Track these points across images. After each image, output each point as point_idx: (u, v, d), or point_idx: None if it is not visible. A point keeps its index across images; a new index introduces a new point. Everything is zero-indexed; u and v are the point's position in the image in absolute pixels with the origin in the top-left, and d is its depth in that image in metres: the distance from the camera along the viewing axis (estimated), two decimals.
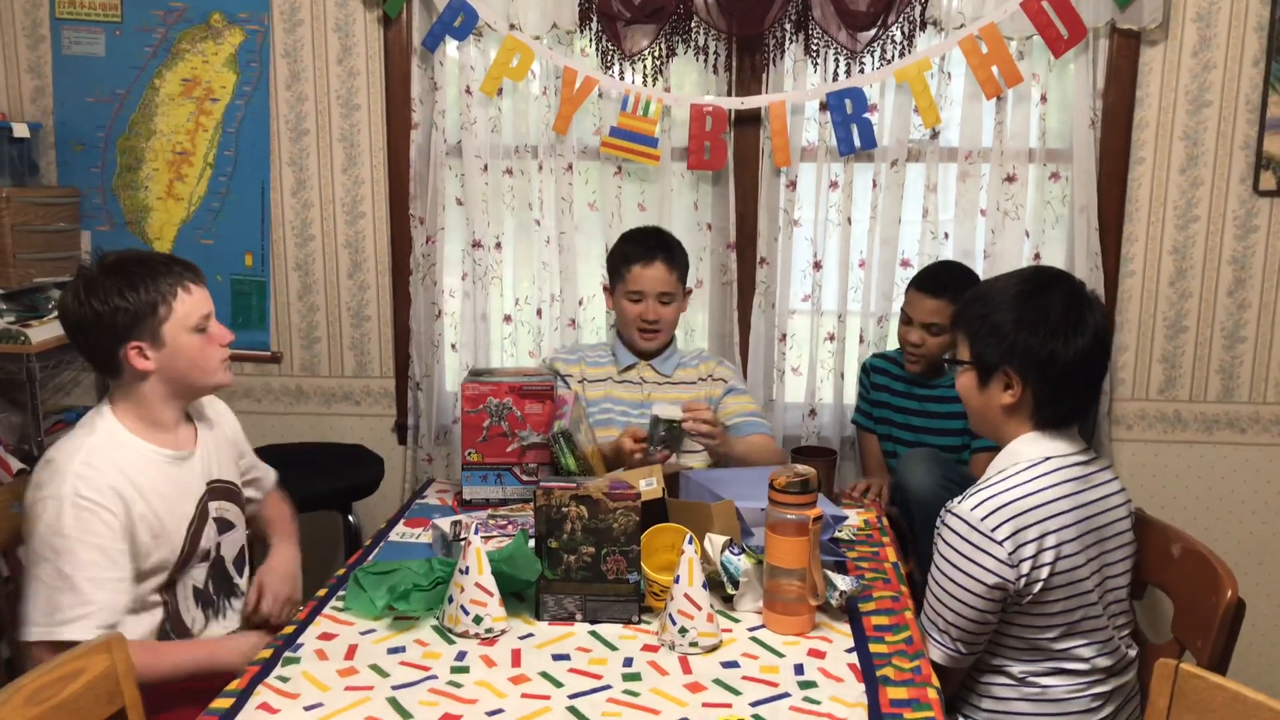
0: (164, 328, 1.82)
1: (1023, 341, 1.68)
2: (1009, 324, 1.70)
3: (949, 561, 1.68)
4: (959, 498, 1.69)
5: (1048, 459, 1.70)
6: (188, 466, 1.90)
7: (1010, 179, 2.82)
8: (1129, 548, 1.79)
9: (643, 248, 2.51)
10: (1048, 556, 1.65)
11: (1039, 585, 1.65)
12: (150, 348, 1.81)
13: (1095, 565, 1.71)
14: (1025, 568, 1.63)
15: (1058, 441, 1.72)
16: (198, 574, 1.90)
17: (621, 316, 2.54)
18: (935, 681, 1.55)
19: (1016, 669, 1.74)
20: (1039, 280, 1.74)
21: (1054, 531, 1.65)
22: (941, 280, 2.55)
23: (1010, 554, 1.62)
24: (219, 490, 1.96)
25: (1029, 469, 1.69)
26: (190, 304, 1.84)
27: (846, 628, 1.72)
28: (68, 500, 1.71)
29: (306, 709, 1.46)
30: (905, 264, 2.90)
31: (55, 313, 2.89)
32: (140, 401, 1.85)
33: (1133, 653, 1.82)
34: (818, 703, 1.48)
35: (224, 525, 1.96)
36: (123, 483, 1.76)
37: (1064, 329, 1.66)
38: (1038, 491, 1.66)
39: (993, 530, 1.62)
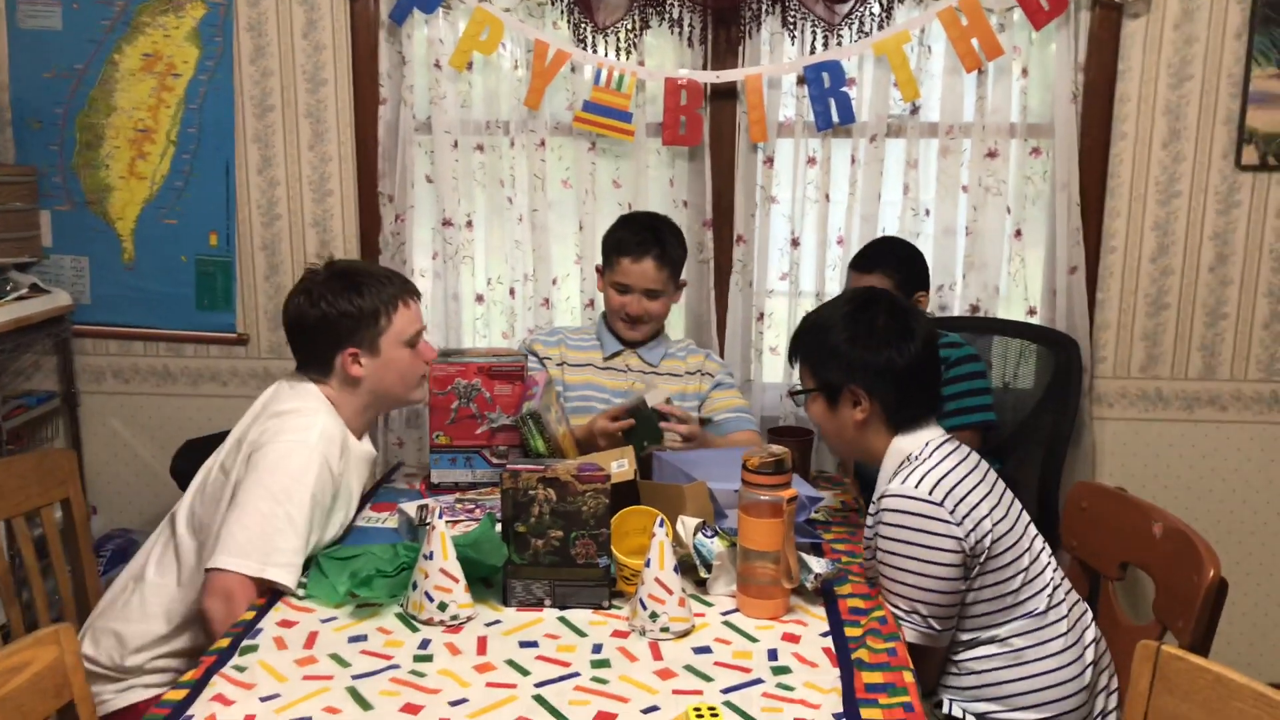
0: (382, 339, 1.92)
1: (859, 357, 1.76)
2: (844, 344, 1.77)
3: (900, 540, 1.68)
4: (889, 486, 1.72)
5: (929, 443, 1.75)
6: (365, 466, 2.01)
7: (992, 154, 2.78)
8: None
9: (635, 240, 2.40)
10: (983, 510, 1.69)
11: (988, 540, 1.68)
12: (366, 355, 1.92)
13: (1015, 513, 1.77)
14: (969, 525, 1.67)
15: (923, 433, 1.78)
16: None
17: (607, 303, 2.48)
18: (910, 664, 1.52)
19: (995, 633, 1.72)
20: (860, 300, 1.84)
21: (975, 489, 1.71)
22: (871, 256, 2.51)
23: (952, 513, 1.66)
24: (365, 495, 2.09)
25: (929, 453, 1.74)
26: (407, 318, 1.95)
27: (822, 611, 1.68)
28: (315, 451, 1.79)
29: (263, 700, 1.40)
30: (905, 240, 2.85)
31: (13, 294, 2.82)
32: (343, 404, 1.93)
33: (1083, 608, 1.83)
34: (791, 689, 1.44)
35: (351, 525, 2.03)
36: (339, 461, 1.85)
37: (894, 338, 1.75)
38: (946, 459, 1.72)
39: (931, 494, 1.66)
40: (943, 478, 1.69)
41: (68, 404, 3.09)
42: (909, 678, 1.47)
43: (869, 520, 1.77)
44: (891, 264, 2.46)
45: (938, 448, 1.75)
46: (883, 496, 1.72)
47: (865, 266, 2.49)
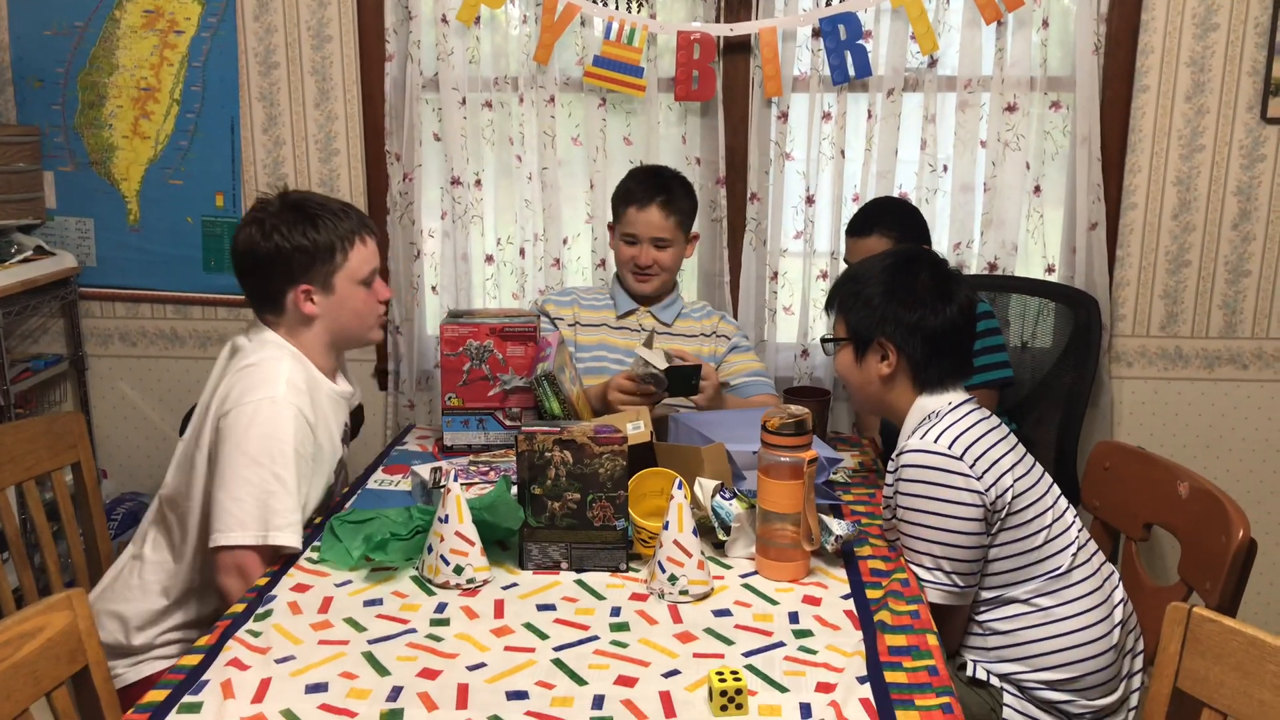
0: (337, 276, 1.83)
1: (893, 313, 1.75)
2: (879, 296, 1.77)
3: (920, 496, 1.67)
4: (907, 443, 1.71)
5: (951, 403, 1.75)
6: (340, 404, 1.93)
7: (1011, 109, 2.72)
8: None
9: (641, 188, 2.38)
10: (1004, 466, 1.68)
11: (1009, 495, 1.67)
12: (319, 293, 1.82)
13: (1037, 473, 1.75)
14: (989, 479, 1.66)
15: (948, 394, 1.77)
16: None
17: (617, 257, 2.45)
18: (934, 627, 1.49)
19: (1018, 592, 1.71)
20: (904, 256, 1.83)
21: (996, 445, 1.70)
22: (866, 217, 2.46)
23: (972, 467, 1.65)
24: (346, 431, 2.00)
25: (951, 410, 1.73)
26: (364, 255, 1.85)
27: (843, 573, 1.65)
28: (286, 404, 1.72)
29: (278, 663, 1.39)
30: (903, 198, 2.80)
31: (18, 256, 2.79)
32: (300, 344, 1.84)
33: (1110, 568, 1.81)
34: (814, 652, 1.42)
35: (340, 467, 1.98)
36: (312, 406, 1.79)
37: (930, 299, 1.74)
38: (967, 417, 1.71)
39: (951, 448, 1.66)
40: (962, 434, 1.68)
41: (75, 367, 3.07)
42: (933, 640, 1.45)
43: (888, 479, 1.75)
44: (888, 222, 2.41)
45: (958, 406, 1.74)
46: (902, 453, 1.71)
47: (861, 229, 2.44)
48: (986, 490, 1.65)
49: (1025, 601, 1.71)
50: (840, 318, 1.85)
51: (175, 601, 1.82)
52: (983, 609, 1.73)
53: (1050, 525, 1.72)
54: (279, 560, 1.70)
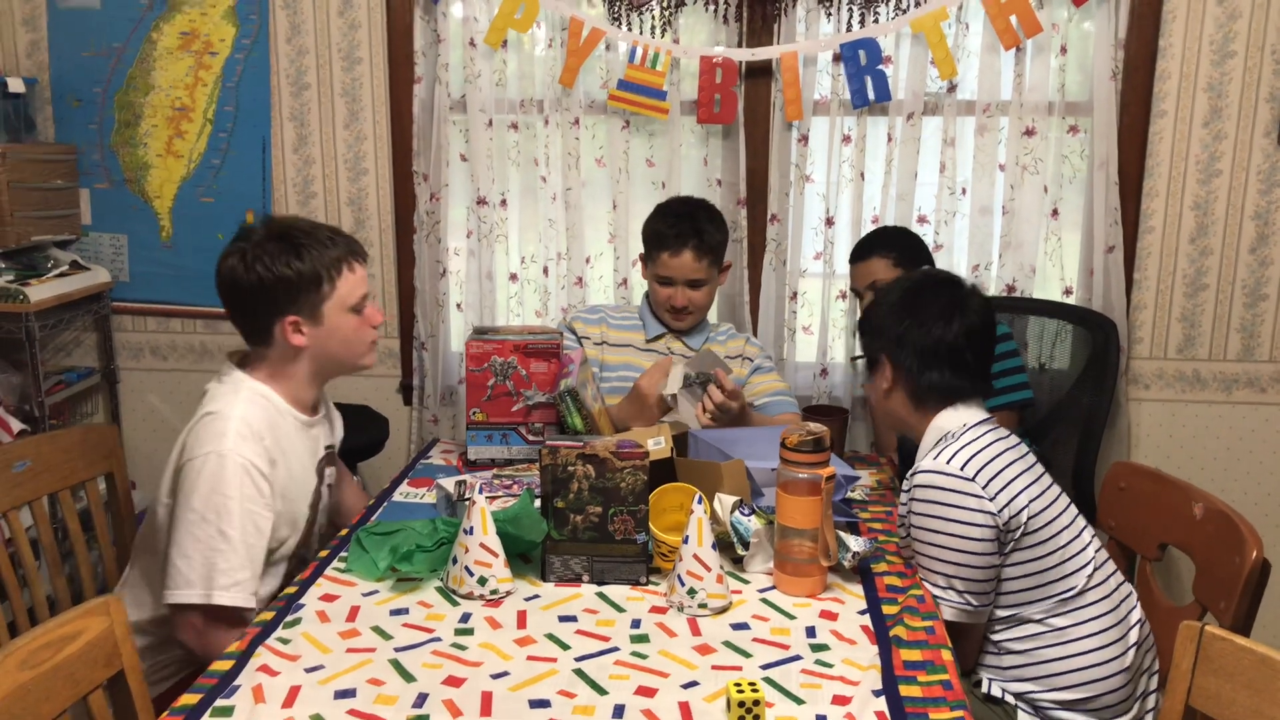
0: (325, 305, 1.77)
1: (890, 328, 1.81)
2: (885, 314, 1.83)
3: (932, 516, 1.69)
4: (920, 464, 1.74)
5: (966, 423, 1.76)
6: (313, 433, 1.89)
7: (1029, 133, 2.75)
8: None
9: (673, 233, 2.35)
10: (1018, 486, 1.69)
11: (1023, 515, 1.68)
12: (307, 324, 1.77)
13: (1054, 494, 1.76)
14: (1002, 500, 1.67)
15: (963, 412, 1.78)
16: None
17: (652, 293, 2.46)
18: (949, 642, 1.52)
19: (1032, 613, 1.72)
20: (920, 277, 1.89)
21: (1011, 466, 1.71)
22: (864, 243, 2.56)
23: (984, 487, 1.67)
24: (330, 456, 1.96)
25: (968, 430, 1.75)
26: (352, 283, 1.80)
27: (859, 589, 1.68)
28: (231, 458, 1.67)
29: (307, 671, 1.42)
30: (922, 220, 2.83)
31: (54, 271, 2.86)
32: (285, 374, 1.81)
33: (1127, 589, 1.81)
34: (830, 665, 1.44)
35: (330, 491, 1.97)
36: (273, 445, 1.75)
37: (931, 316, 1.77)
38: (983, 438, 1.73)
39: (963, 469, 1.68)
40: (975, 455, 1.70)
41: (107, 380, 3.13)
42: (947, 655, 1.47)
43: (902, 498, 1.78)
44: (885, 245, 2.50)
45: (974, 427, 1.75)
46: (915, 473, 1.73)
47: (861, 254, 2.53)
48: (999, 511, 1.67)
49: (1040, 621, 1.72)
50: (864, 341, 1.92)
51: (151, 619, 1.81)
52: (998, 628, 1.75)
53: (1065, 546, 1.73)
54: (234, 618, 1.68)
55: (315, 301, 1.76)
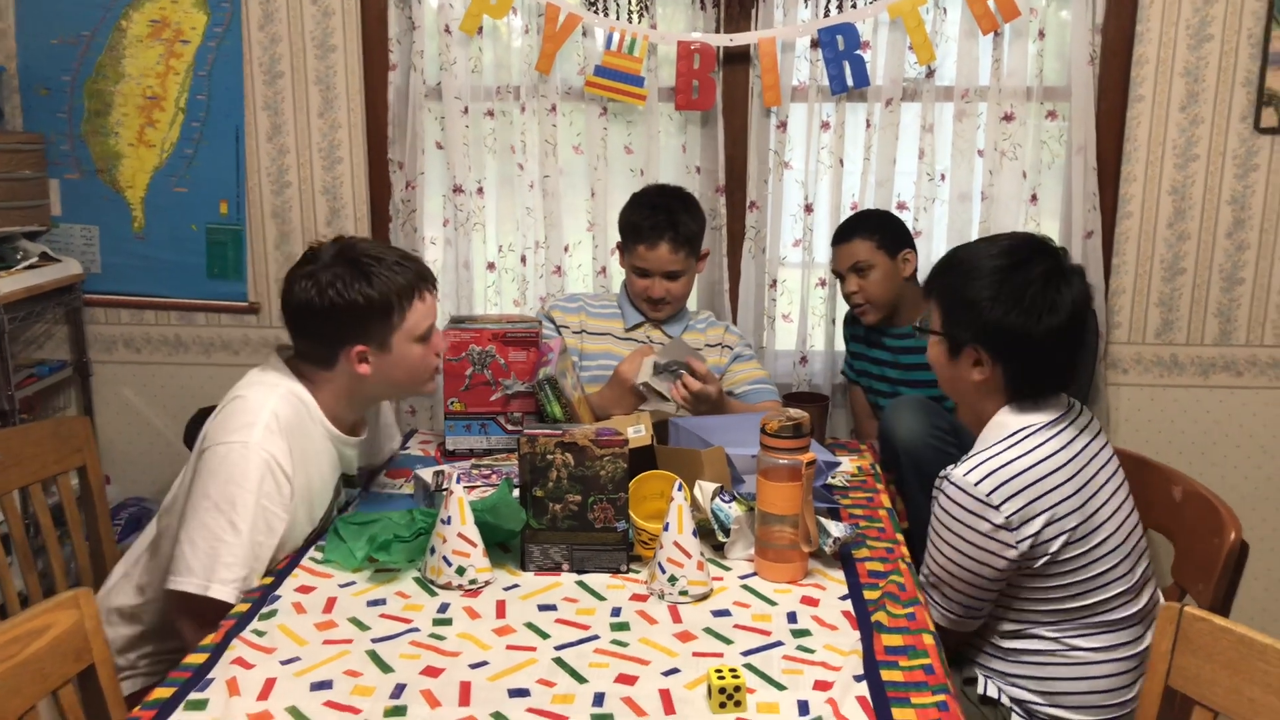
0: (394, 336, 1.75)
1: (995, 320, 1.63)
2: (984, 301, 1.64)
3: (947, 529, 1.64)
4: (956, 464, 1.65)
5: (1032, 426, 1.65)
6: (344, 451, 1.86)
7: (1008, 118, 2.75)
8: (1127, 487, 1.74)
9: (649, 225, 2.34)
10: (1058, 513, 1.60)
11: (1056, 544, 1.60)
12: (374, 353, 1.75)
13: (1105, 514, 1.66)
14: (1027, 531, 1.59)
15: (1037, 412, 1.68)
16: None
17: (630, 284, 2.46)
18: (930, 627, 1.51)
19: (1047, 631, 1.68)
20: (1018, 254, 1.67)
21: (1058, 488, 1.61)
22: (846, 225, 2.58)
23: (1008, 518, 1.58)
24: (350, 479, 1.95)
25: (1017, 438, 1.64)
26: (422, 312, 1.78)
27: (840, 575, 1.67)
28: (255, 451, 1.64)
29: (283, 663, 1.41)
30: (901, 206, 2.83)
31: (24, 263, 2.82)
32: (333, 391, 1.79)
33: (1159, 594, 1.76)
34: (811, 651, 1.44)
35: (339, 512, 1.94)
36: (298, 449, 1.71)
37: (1038, 308, 1.61)
38: (1029, 453, 1.62)
39: (989, 495, 1.59)
40: (1015, 476, 1.58)
41: (80, 373, 3.09)
42: (929, 640, 1.47)
43: (937, 481, 1.67)
44: (868, 227, 2.51)
45: (1038, 431, 1.63)
46: (946, 475, 1.64)
47: (843, 236, 2.54)
48: (1020, 542, 1.58)
49: (1054, 639, 1.67)
50: (938, 309, 1.73)
51: (146, 601, 1.81)
52: (1007, 636, 1.71)
53: (1104, 572, 1.63)
54: (222, 613, 1.63)
55: (385, 331, 1.74)
